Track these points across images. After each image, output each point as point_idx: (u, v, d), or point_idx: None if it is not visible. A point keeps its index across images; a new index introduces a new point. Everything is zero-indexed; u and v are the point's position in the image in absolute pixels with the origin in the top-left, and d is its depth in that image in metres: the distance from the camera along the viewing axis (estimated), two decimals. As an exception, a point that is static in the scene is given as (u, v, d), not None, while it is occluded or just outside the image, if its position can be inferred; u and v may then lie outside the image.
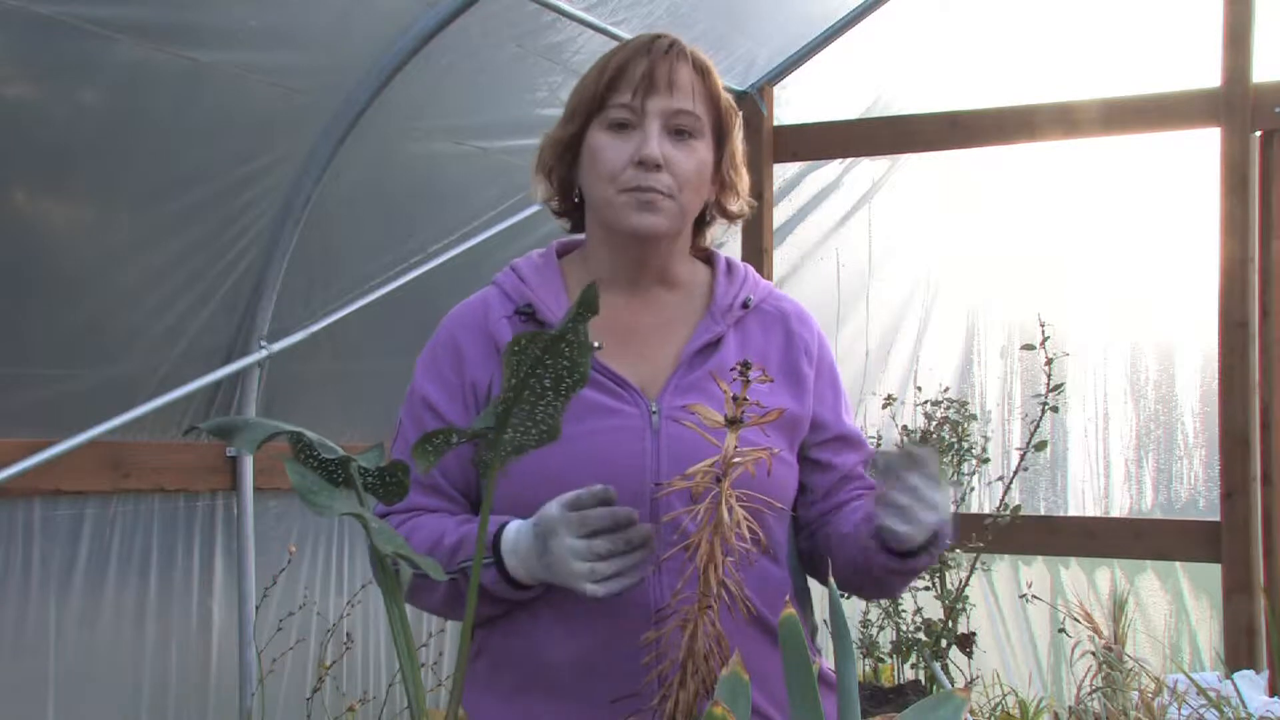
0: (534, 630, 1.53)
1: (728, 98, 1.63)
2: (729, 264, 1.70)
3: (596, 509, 1.39)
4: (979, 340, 5.27)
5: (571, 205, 1.68)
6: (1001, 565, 4.88)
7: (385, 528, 1.16)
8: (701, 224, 1.69)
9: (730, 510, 1.31)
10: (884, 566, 1.52)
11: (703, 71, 1.59)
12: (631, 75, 1.56)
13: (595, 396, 1.52)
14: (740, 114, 1.66)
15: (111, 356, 2.88)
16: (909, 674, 3.58)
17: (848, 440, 1.67)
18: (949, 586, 3.50)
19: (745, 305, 1.65)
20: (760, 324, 1.66)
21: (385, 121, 3.14)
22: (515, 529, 1.46)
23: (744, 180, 1.67)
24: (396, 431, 1.63)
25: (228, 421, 1.21)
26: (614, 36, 3.36)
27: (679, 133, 1.56)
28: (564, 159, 1.63)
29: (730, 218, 1.69)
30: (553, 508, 1.42)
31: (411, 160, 3.42)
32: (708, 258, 1.72)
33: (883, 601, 3.51)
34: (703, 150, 1.58)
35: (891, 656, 3.57)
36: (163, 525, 3.07)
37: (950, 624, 3.46)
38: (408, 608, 1.21)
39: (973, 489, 3.88)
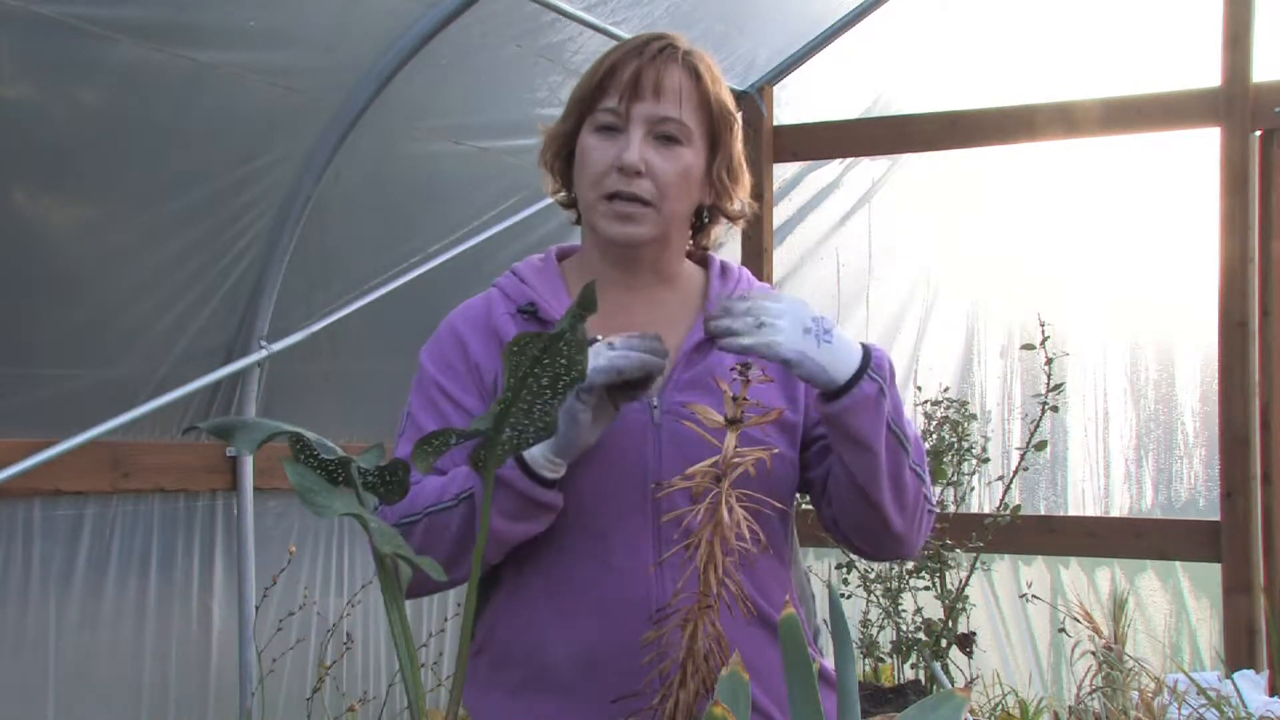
0: (535, 627, 1.53)
1: (723, 101, 1.60)
2: (723, 266, 1.71)
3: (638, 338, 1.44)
4: (979, 340, 5.27)
5: (573, 200, 1.68)
6: (1001, 565, 4.88)
7: (385, 528, 1.17)
8: (700, 225, 1.69)
9: (730, 510, 1.31)
10: (830, 421, 1.48)
11: (694, 75, 1.57)
12: (620, 78, 1.55)
13: (598, 390, 1.52)
14: (739, 117, 1.64)
15: (111, 356, 2.88)
16: (909, 674, 3.58)
17: None
18: (949, 586, 3.49)
19: None
20: None
21: (385, 121, 3.14)
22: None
23: (742, 184, 1.65)
24: (404, 423, 1.62)
25: (228, 421, 1.21)
26: (614, 36, 3.36)
27: (665, 139, 1.55)
28: (560, 155, 1.64)
29: (731, 218, 1.68)
30: None
31: (411, 160, 3.42)
32: (704, 260, 1.71)
33: (883, 601, 3.51)
34: (689, 156, 1.57)
35: (891, 656, 3.57)
36: (163, 525, 3.07)
37: (950, 624, 3.46)
38: (408, 607, 1.21)
39: (973, 489, 3.88)
